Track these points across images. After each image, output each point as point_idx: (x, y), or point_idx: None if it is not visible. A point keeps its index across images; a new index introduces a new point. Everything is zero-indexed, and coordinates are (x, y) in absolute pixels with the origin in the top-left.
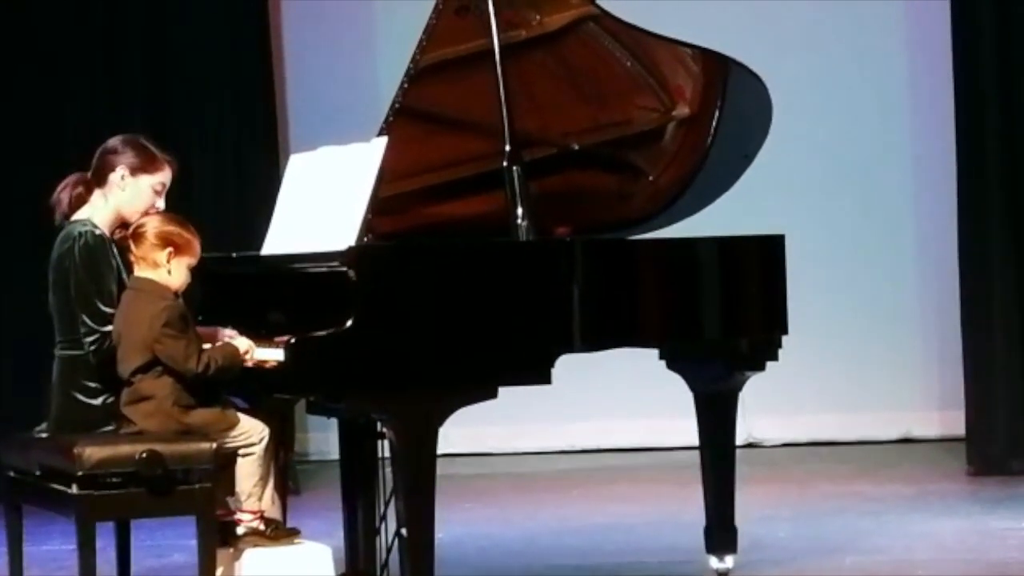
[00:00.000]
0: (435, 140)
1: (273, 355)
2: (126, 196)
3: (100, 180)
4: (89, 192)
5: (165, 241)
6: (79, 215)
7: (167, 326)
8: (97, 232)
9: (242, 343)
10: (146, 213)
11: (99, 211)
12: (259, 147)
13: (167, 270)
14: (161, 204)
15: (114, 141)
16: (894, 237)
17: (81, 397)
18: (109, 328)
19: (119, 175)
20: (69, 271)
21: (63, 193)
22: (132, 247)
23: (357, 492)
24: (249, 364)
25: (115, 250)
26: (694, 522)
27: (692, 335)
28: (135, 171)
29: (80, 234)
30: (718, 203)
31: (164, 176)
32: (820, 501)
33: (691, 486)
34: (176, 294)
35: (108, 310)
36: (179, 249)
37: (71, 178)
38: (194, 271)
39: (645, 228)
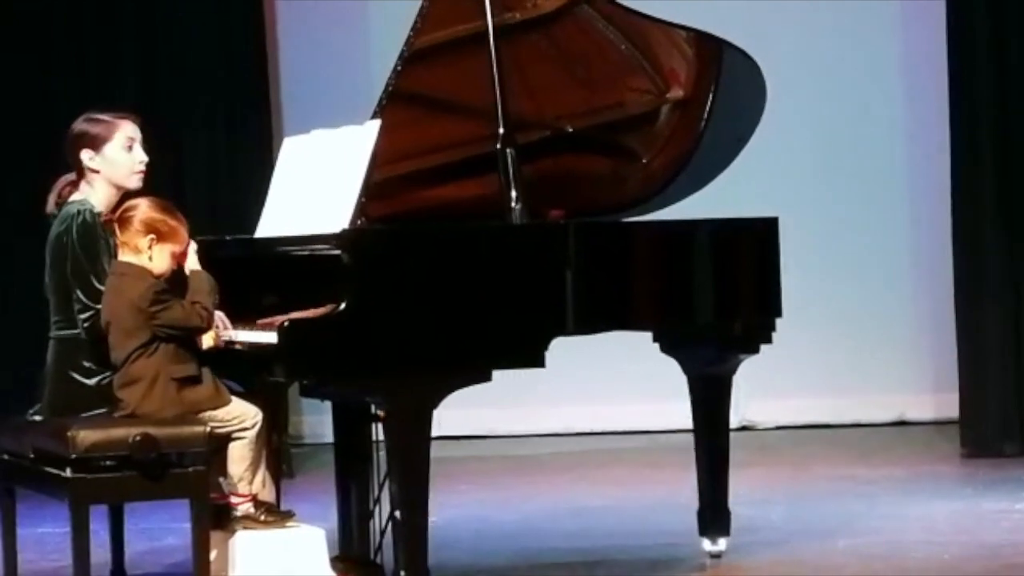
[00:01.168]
0: (428, 123)
1: (265, 338)
2: (105, 171)
3: (79, 171)
4: (76, 185)
5: (148, 228)
6: (74, 197)
7: (155, 303)
8: (95, 211)
9: (194, 262)
10: (134, 172)
11: (91, 194)
12: (252, 130)
13: (148, 256)
14: (142, 156)
15: (69, 130)
16: (888, 220)
17: (77, 377)
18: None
19: (87, 157)
20: (67, 248)
21: (51, 196)
22: (117, 232)
23: (351, 475)
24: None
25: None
26: (688, 505)
27: (686, 318)
28: (96, 145)
29: (78, 212)
30: (712, 186)
31: (125, 132)
32: (814, 484)
33: (685, 469)
34: (159, 278)
35: (103, 288)
36: (162, 236)
37: (60, 180)
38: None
39: (639, 211)
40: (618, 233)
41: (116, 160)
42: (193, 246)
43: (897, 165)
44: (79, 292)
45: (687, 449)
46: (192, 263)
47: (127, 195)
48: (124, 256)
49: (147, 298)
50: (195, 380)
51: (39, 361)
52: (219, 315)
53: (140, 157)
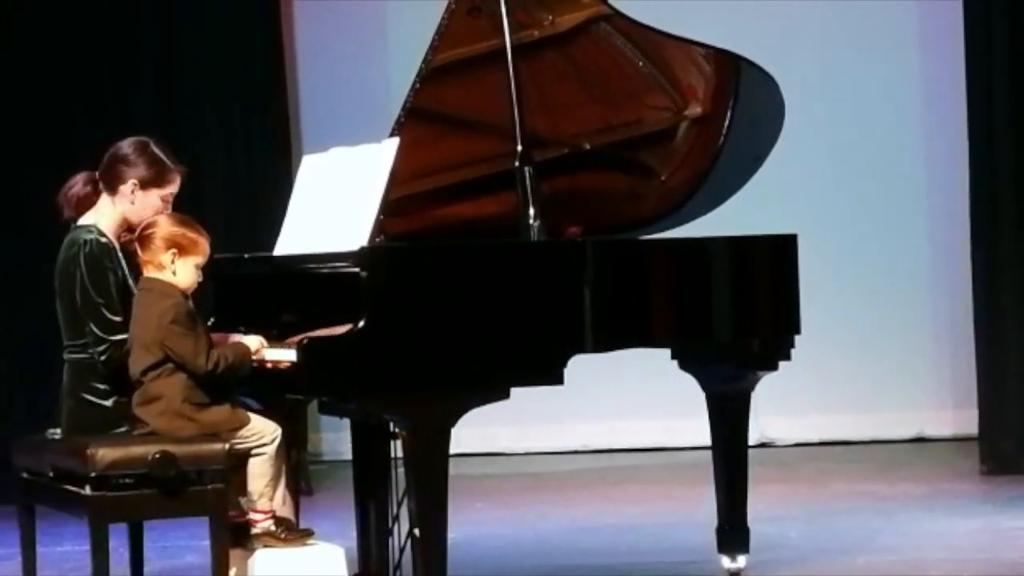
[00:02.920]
0: (446, 141)
1: (285, 356)
2: (135, 208)
3: (110, 187)
4: (96, 193)
5: (169, 243)
6: (85, 219)
7: (174, 323)
8: (102, 240)
9: (252, 341)
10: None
11: (105, 217)
12: (271, 149)
13: (172, 271)
14: (167, 210)
15: (126, 148)
16: (906, 237)
17: (92, 399)
18: (117, 337)
19: (129, 188)
20: (75, 279)
21: (70, 192)
22: (139, 251)
23: (370, 492)
24: (265, 363)
25: (120, 256)
26: (706, 522)
27: (704, 335)
28: (146, 185)
29: (85, 241)
30: (730, 203)
31: (174, 187)
32: (833, 501)
33: (703, 486)
34: (185, 295)
35: (115, 319)
36: (184, 249)
37: (79, 177)
38: (206, 271)
39: (657, 228)
40: (636, 250)
41: (150, 208)
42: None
43: (915, 182)
44: (92, 326)
45: (705, 466)
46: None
47: (131, 228)
48: (149, 273)
49: (168, 315)
50: (213, 404)
51: (59, 379)
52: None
53: (165, 210)
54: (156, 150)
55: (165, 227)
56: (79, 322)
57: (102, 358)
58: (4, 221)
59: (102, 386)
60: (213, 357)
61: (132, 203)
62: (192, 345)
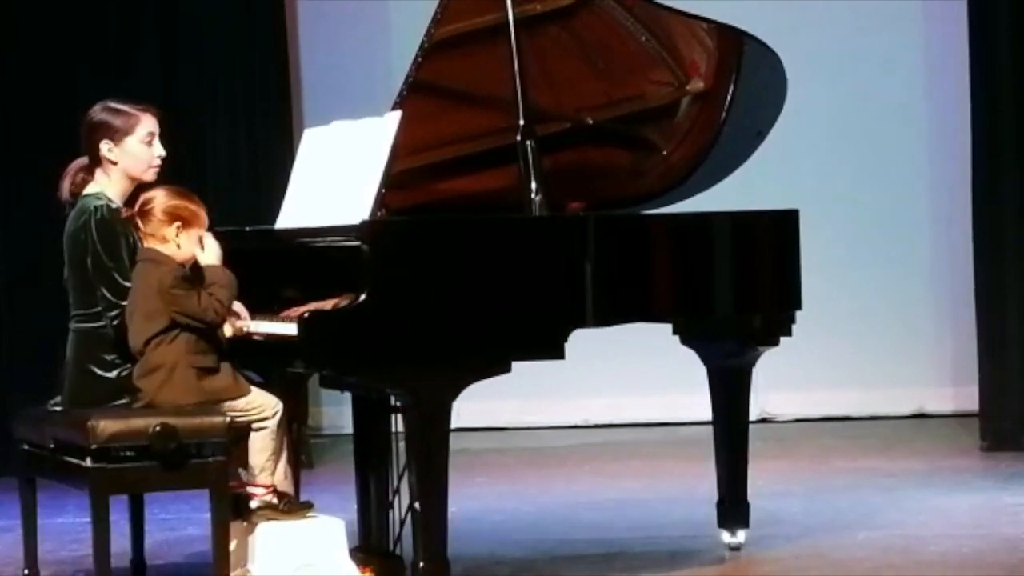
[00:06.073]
0: (449, 115)
1: (285, 330)
2: (122, 163)
3: (94, 159)
4: (91, 172)
5: (172, 216)
6: (90, 189)
7: (174, 287)
8: (113, 206)
9: (212, 252)
10: (151, 166)
11: (107, 185)
12: (273, 122)
13: (176, 244)
14: (161, 151)
15: (88, 116)
16: (908, 213)
17: (96, 370)
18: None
19: (106, 148)
20: (86, 246)
21: (65, 181)
22: (140, 224)
23: (370, 466)
24: (258, 335)
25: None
26: (707, 497)
27: (705, 310)
28: (117, 138)
29: (95, 208)
30: (732, 178)
31: (146, 126)
32: (833, 476)
33: (704, 461)
34: (182, 265)
35: (127, 283)
36: (187, 222)
37: (73, 165)
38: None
39: (658, 203)
40: (638, 225)
41: (136, 154)
42: (213, 242)
43: (918, 158)
44: (104, 290)
45: (706, 441)
46: (209, 258)
47: (141, 186)
48: (150, 246)
49: (167, 280)
50: (214, 370)
51: (61, 351)
52: (238, 305)
53: (158, 152)
54: (114, 103)
55: (165, 200)
56: (90, 290)
57: (115, 323)
58: (6, 192)
59: (108, 357)
60: (215, 306)
61: (117, 161)
62: (196, 302)
